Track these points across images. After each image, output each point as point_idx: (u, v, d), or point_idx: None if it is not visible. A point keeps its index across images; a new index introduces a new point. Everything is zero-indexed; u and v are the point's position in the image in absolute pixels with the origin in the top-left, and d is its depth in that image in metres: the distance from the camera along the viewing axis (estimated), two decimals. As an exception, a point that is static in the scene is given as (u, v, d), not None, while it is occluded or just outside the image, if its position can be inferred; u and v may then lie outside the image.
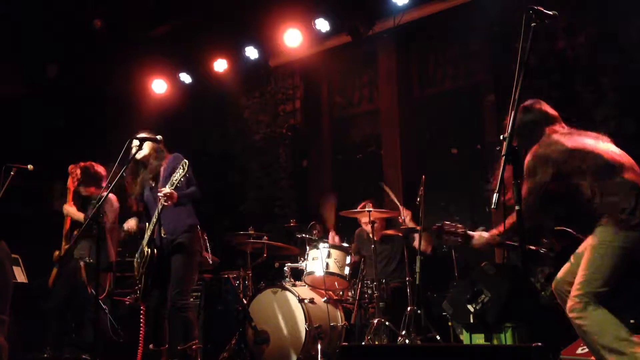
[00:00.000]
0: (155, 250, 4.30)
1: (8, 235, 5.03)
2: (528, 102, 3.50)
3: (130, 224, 4.64)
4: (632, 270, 3.21)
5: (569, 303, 3.21)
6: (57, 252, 5.59)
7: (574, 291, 3.20)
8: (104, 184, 5.61)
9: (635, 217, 3.13)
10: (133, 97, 8.07)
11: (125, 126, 7.20)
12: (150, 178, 4.57)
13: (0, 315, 4.41)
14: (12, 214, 5.67)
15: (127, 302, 6.27)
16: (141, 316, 4.95)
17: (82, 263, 5.41)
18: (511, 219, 3.08)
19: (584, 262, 3.22)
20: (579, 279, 3.20)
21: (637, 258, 3.17)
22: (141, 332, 5.01)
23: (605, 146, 3.38)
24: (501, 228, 3.34)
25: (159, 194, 4.22)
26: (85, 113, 8.05)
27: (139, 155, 4.49)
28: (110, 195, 5.53)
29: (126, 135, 4.40)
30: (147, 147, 4.54)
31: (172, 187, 4.17)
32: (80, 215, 5.46)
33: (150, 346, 4.60)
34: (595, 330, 3.10)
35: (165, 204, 4.21)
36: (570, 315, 3.20)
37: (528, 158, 3.34)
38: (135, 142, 4.48)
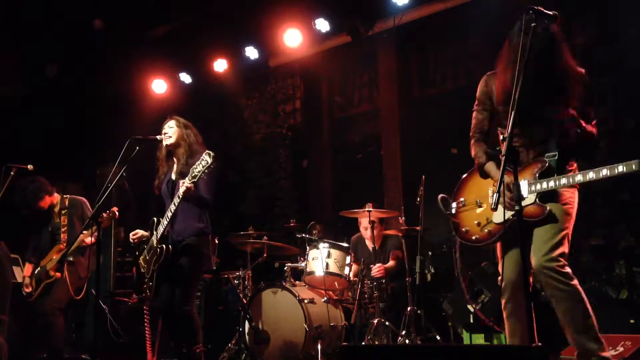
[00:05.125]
0: (170, 247, 4.21)
1: (8, 235, 5.04)
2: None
3: (138, 235, 4.41)
4: None
5: None
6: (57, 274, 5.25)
7: None
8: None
9: None
10: (133, 97, 8.07)
11: (125, 126, 7.20)
12: (175, 172, 4.40)
13: (0, 315, 4.41)
14: (12, 214, 5.65)
15: (131, 302, 6.25)
16: (145, 316, 4.94)
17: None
18: None
19: None
20: None
21: None
22: (147, 332, 5.00)
23: None
24: None
25: (180, 187, 4.02)
26: (85, 113, 8.06)
27: (167, 142, 4.39)
28: (82, 199, 5.45)
29: (126, 135, 4.37)
30: (175, 135, 4.40)
31: (194, 180, 3.95)
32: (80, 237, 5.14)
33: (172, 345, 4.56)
34: None
35: (182, 196, 4.01)
36: None
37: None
38: (170, 124, 4.43)
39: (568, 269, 3.01)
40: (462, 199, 3.45)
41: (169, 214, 4.16)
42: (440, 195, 3.64)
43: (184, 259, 4.24)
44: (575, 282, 3.01)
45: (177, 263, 4.24)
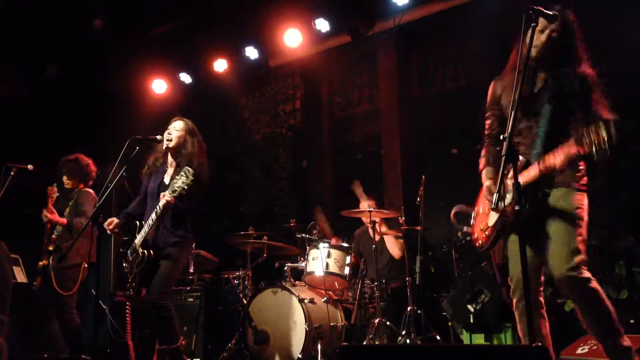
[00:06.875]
0: (151, 252, 4.25)
1: (8, 235, 5.04)
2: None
3: (114, 223, 4.47)
4: None
5: None
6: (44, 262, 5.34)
7: None
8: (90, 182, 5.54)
9: None
10: (133, 97, 8.07)
11: (125, 126, 7.20)
12: (170, 175, 4.43)
13: (0, 315, 4.41)
14: (12, 213, 5.65)
15: (118, 300, 6.27)
16: (127, 315, 4.95)
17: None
18: None
19: None
20: None
21: None
22: (128, 330, 5.02)
23: None
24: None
25: (161, 199, 4.11)
26: (85, 113, 8.05)
27: (167, 145, 4.41)
28: (91, 190, 5.50)
29: (126, 135, 4.38)
30: (176, 140, 4.43)
31: (174, 195, 4.04)
32: (63, 220, 5.29)
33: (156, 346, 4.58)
34: None
35: (161, 206, 4.12)
36: None
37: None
38: (177, 125, 4.45)
39: (587, 274, 2.98)
40: (476, 208, 3.44)
41: (150, 222, 4.22)
42: (453, 211, 3.65)
43: (163, 262, 4.28)
44: (595, 284, 2.99)
45: (157, 266, 4.29)
